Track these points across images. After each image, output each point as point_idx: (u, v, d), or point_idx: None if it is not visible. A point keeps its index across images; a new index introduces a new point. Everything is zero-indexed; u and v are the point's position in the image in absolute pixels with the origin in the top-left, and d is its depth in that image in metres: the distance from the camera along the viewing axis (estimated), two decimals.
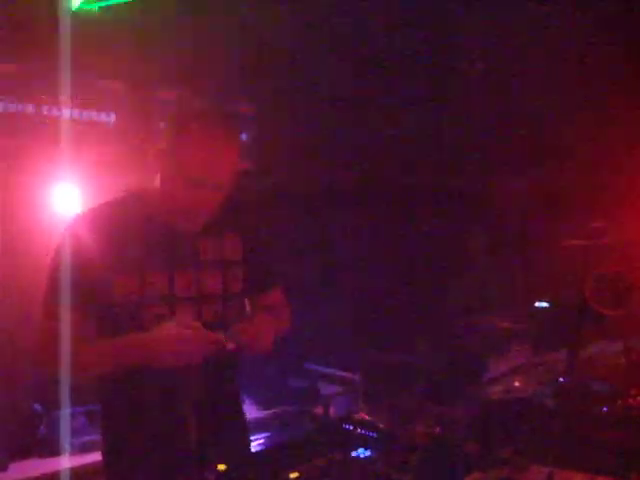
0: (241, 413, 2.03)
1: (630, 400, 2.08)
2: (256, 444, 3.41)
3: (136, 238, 1.71)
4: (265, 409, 3.87)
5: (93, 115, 3.70)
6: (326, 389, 4.24)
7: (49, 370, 1.73)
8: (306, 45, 4.29)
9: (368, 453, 1.70)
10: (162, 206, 1.74)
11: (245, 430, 2.04)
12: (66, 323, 1.65)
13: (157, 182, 1.74)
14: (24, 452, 3.22)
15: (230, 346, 1.66)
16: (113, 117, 3.76)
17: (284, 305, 2.03)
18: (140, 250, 1.71)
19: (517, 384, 2.35)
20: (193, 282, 1.76)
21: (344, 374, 4.31)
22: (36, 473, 3.08)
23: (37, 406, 3.30)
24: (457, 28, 4.35)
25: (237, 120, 1.81)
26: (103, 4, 3.37)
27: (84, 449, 3.13)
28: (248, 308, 1.96)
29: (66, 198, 3.48)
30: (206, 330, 1.63)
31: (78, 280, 1.64)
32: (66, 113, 3.55)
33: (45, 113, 3.51)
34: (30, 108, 3.47)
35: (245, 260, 1.87)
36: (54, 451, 3.18)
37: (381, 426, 1.87)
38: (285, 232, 4.33)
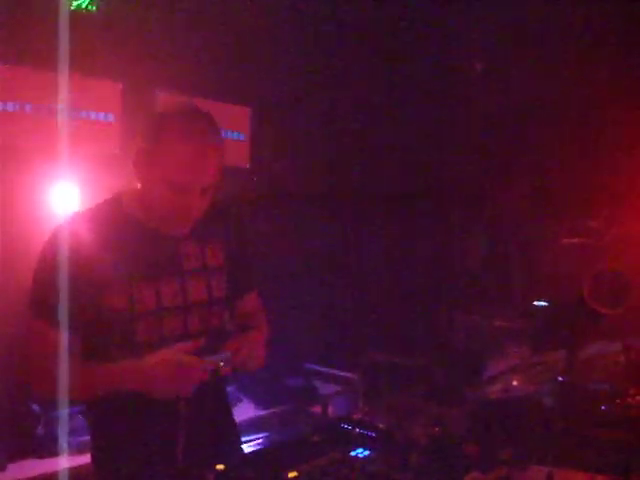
0: (235, 429, 2.05)
1: (629, 399, 2.08)
2: (254, 444, 3.41)
3: (122, 247, 1.67)
4: (263, 409, 3.86)
5: (92, 115, 3.70)
6: (325, 389, 4.23)
7: (37, 380, 1.72)
8: (305, 45, 4.28)
9: (367, 453, 1.70)
10: (145, 211, 1.70)
11: (238, 444, 2.04)
12: (51, 331, 1.64)
13: (139, 185, 1.70)
14: (22, 452, 3.21)
15: (225, 371, 1.68)
16: (112, 117, 3.76)
17: (261, 311, 2.03)
18: (126, 259, 1.67)
19: (516, 383, 2.35)
20: (179, 290, 1.74)
21: (343, 374, 4.30)
22: (34, 473, 3.08)
23: (35, 406, 3.29)
24: (457, 28, 4.36)
25: (218, 120, 1.74)
26: None
27: (82, 449, 3.12)
28: (226, 315, 1.96)
29: (65, 198, 3.48)
30: (200, 359, 1.63)
31: (63, 288, 1.60)
32: (65, 114, 3.55)
33: (44, 114, 3.51)
34: (29, 108, 3.47)
35: (227, 264, 1.86)
36: (52, 451, 3.17)
37: (380, 426, 1.87)
38: (282, 233, 4.33)
